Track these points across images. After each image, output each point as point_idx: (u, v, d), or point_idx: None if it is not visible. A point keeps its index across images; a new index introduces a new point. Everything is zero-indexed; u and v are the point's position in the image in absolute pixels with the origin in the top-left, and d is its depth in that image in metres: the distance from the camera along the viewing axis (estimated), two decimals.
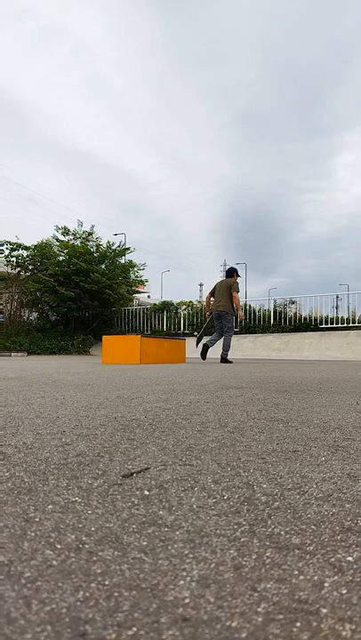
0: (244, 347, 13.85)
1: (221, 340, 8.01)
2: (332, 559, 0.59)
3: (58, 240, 17.33)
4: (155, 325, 17.38)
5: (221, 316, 7.74)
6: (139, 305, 19.78)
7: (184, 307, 16.89)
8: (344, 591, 0.52)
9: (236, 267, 8.21)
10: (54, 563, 0.58)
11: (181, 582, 0.53)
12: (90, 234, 17.56)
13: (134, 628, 0.44)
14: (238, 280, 7.84)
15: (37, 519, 0.72)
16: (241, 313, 7.81)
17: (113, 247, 17.62)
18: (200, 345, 8.14)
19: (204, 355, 8.06)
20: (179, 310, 16.96)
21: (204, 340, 8.83)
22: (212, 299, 8.05)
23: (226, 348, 7.73)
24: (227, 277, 7.93)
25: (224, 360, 7.72)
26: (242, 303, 15.83)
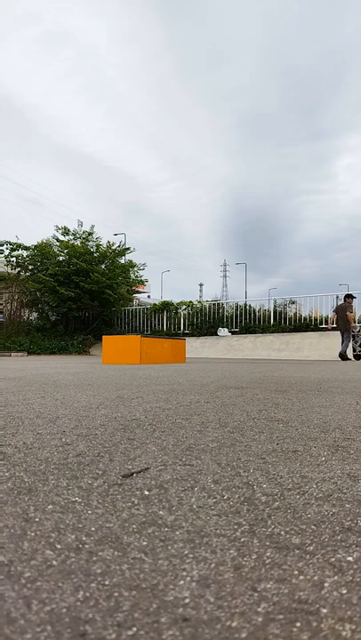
0: (245, 347, 13.84)
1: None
2: (332, 559, 0.59)
3: (58, 240, 17.33)
4: (155, 325, 17.38)
5: (342, 331, 10.85)
6: (139, 305, 19.77)
7: (184, 307, 16.89)
8: (344, 591, 0.52)
9: (352, 294, 11.06)
10: (54, 563, 0.58)
11: (181, 582, 0.53)
12: (90, 234, 17.55)
13: (134, 628, 0.44)
14: (351, 303, 10.92)
15: (37, 519, 0.72)
16: (353, 324, 10.78)
17: (113, 247, 17.62)
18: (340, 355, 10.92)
19: (345, 359, 10.66)
20: (179, 310, 16.96)
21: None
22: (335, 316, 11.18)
23: (344, 349, 10.65)
24: (345, 301, 10.94)
25: (343, 357, 10.37)
26: (242, 303, 15.91)
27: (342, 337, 10.85)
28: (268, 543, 0.64)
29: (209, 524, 0.71)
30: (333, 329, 11.35)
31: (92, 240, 17.59)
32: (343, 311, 10.80)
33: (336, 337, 12.89)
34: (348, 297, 11.00)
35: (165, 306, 17.23)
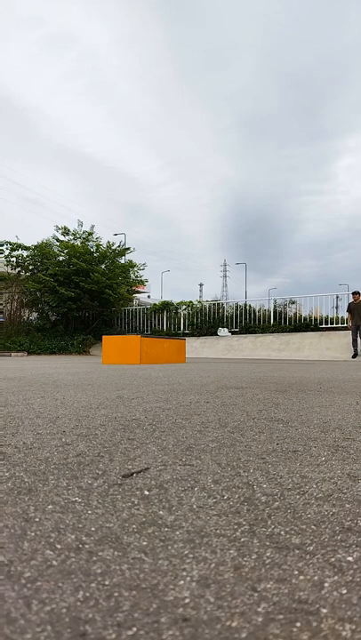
0: (245, 347, 13.84)
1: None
2: (332, 559, 0.59)
3: (58, 240, 17.33)
4: (155, 325, 17.37)
5: (359, 328, 11.22)
6: (139, 305, 19.76)
7: (184, 307, 16.89)
8: (344, 591, 0.52)
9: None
10: (54, 563, 0.58)
11: (181, 582, 0.53)
12: (90, 234, 17.54)
13: (134, 628, 0.44)
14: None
15: (37, 519, 0.72)
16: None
17: (113, 247, 17.62)
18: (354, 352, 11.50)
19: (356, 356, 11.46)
20: (179, 310, 16.95)
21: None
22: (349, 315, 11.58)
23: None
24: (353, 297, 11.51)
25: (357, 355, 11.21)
26: (242, 303, 15.97)
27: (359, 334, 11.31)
28: (268, 543, 0.64)
29: (209, 523, 0.71)
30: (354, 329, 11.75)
31: (92, 240, 17.58)
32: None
33: (336, 337, 12.90)
34: (356, 293, 11.43)
35: (165, 306, 17.22)
